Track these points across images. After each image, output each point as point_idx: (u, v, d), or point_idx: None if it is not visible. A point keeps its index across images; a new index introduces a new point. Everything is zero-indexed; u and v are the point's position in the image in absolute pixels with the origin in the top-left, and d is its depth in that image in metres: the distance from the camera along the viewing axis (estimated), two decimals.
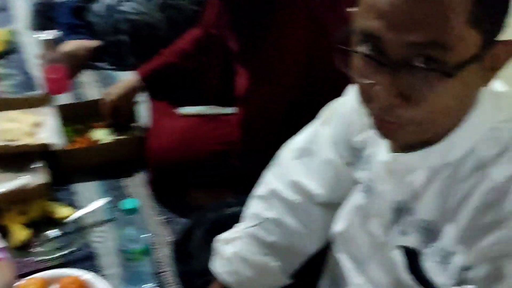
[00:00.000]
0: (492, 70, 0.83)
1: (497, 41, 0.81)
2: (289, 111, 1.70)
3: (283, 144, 1.31)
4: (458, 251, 0.86)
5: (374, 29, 0.77)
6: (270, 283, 1.27)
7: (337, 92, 1.19)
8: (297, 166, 1.21)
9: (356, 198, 1.08)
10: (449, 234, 0.87)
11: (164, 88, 2.12)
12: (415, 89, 0.78)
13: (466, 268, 0.85)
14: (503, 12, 0.80)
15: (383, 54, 0.78)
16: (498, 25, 0.80)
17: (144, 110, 2.17)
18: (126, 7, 2.42)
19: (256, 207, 1.26)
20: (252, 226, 1.25)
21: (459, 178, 0.88)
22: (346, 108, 1.11)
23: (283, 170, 1.24)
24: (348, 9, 0.84)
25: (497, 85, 0.91)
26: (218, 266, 1.29)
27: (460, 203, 0.87)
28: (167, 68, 2.06)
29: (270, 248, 1.22)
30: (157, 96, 2.11)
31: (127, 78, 2.11)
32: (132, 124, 2.11)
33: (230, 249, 1.27)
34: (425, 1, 0.74)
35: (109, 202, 1.90)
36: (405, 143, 0.92)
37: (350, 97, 1.10)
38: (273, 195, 1.22)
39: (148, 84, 2.07)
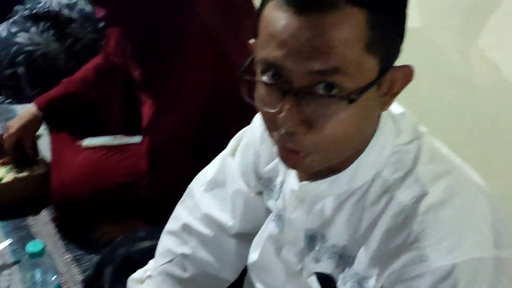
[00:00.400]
0: (390, 95, 0.85)
1: (394, 66, 0.83)
2: (195, 139, 1.69)
3: (190, 173, 1.30)
4: (371, 275, 0.87)
5: (276, 58, 0.78)
6: None
7: (244, 121, 1.19)
8: (209, 198, 1.20)
9: (269, 227, 1.08)
10: (362, 258, 0.88)
11: (65, 119, 2.06)
12: (317, 116, 0.79)
13: None
14: (398, 39, 0.83)
15: (286, 82, 0.79)
16: (393, 51, 0.83)
17: (46, 144, 2.10)
18: (21, 38, 2.36)
19: (168, 243, 1.23)
20: (165, 263, 1.22)
21: (367, 203, 0.90)
22: (254, 137, 1.11)
23: (195, 203, 1.22)
24: (250, 41, 0.86)
25: (394, 107, 0.93)
26: None
27: (370, 227, 0.89)
28: (66, 98, 2.00)
29: (185, 284, 1.20)
30: (58, 128, 2.05)
31: (27, 110, 2.03)
32: (36, 159, 2.05)
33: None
34: (323, 30, 0.76)
35: (13, 244, 1.84)
36: (309, 171, 0.93)
37: (258, 126, 1.10)
38: (186, 230, 1.21)
39: (47, 115, 2.00)
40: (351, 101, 0.77)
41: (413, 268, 0.82)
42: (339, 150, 0.85)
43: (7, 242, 1.84)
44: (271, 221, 1.07)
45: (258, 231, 1.13)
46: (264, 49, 0.78)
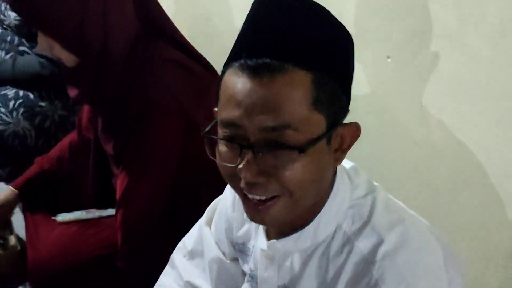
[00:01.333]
0: (341, 151, 0.92)
1: (342, 123, 0.91)
2: (168, 208, 1.71)
3: (165, 242, 1.34)
4: None
5: (234, 117, 0.85)
6: None
7: (214, 186, 1.24)
8: (190, 268, 1.24)
9: None
10: None
11: (39, 196, 2.05)
12: (273, 166, 0.86)
13: None
14: (342, 98, 0.90)
15: (243, 139, 0.86)
16: (339, 109, 0.90)
17: (19, 221, 2.08)
18: None
19: None
20: None
21: (331, 254, 0.96)
22: (226, 205, 1.17)
23: (177, 272, 1.26)
24: (214, 109, 0.93)
25: (345, 162, 1.01)
26: None
27: (335, 276, 0.94)
28: (42, 175, 2.01)
29: None
30: (32, 205, 2.04)
31: (1, 191, 2.03)
32: (9, 237, 2.01)
33: None
34: (274, 91, 0.83)
35: None
36: (276, 223, 0.98)
37: (229, 194, 1.16)
38: None
39: (25, 194, 2.01)
40: (301, 151, 0.84)
41: None
42: (300, 198, 0.90)
43: None
44: (246, 282, 1.12)
45: None
46: (224, 110, 0.86)
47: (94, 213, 1.93)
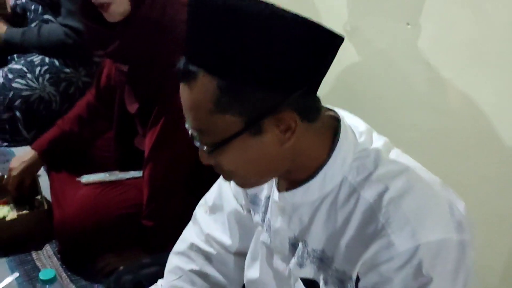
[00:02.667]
0: (286, 133, 0.95)
1: (268, 116, 0.92)
2: (193, 169, 1.74)
3: (188, 201, 1.39)
4: (348, 269, 0.96)
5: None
6: None
7: None
8: (210, 222, 1.30)
9: (261, 238, 1.17)
10: (339, 254, 0.98)
11: (63, 157, 2.11)
12: (210, 157, 0.97)
13: (357, 282, 0.95)
14: (257, 95, 0.91)
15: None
16: (262, 105, 0.92)
17: (45, 182, 2.16)
18: (17, 84, 2.41)
19: (177, 262, 1.32)
20: (175, 279, 1.31)
21: (338, 205, 0.99)
22: None
23: (199, 227, 1.32)
24: None
25: (350, 120, 1.05)
26: None
27: (343, 225, 0.98)
28: (63, 137, 2.06)
29: None
30: (57, 167, 2.10)
31: (26, 152, 2.10)
32: (36, 197, 2.10)
33: None
34: (189, 96, 0.92)
35: (20, 277, 1.88)
36: (246, 188, 1.11)
37: None
38: (193, 249, 1.30)
39: (47, 156, 2.07)
40: (209, 152, 0.94)
41: (382, 254, 0.91)
42: (245, 177, 1.00)
43: (14, 275, 1.88)
44: (264, 232, 1.17)
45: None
46: None
47: (117, 175, 2.00)
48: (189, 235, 1.33)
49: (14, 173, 2.06)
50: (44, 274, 1.57)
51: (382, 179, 0.97)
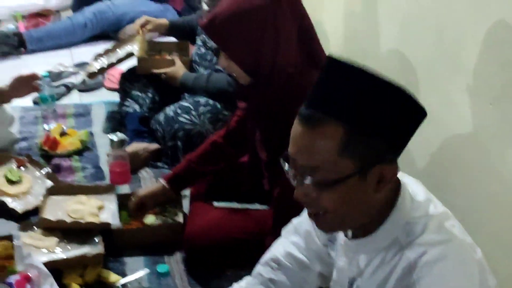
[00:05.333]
0: (383, 183, 1.08)
1: (380, 164, 1.06)
2: None
3: None
4: None
5: (290, 152, 1.11)
6: None
7: None
8: (292, 240, 1.48)
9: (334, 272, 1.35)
10: None
11: (190, 185, 2.35)
12: (312, 193, 1.09)
13: None
14: (376, 144, 1.05)
15: (295, 168, 1.11)
16: (373, 154, 1.05)
17: (186, 203, 2.41)
18: (183, 118, 2.67)
19: (260, 269, 1.51)
20: (255, 284, 1.50)
21: (387, 259, 1.14)
22: None
23: (283, 242, 1.51)
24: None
25: (412, 187, 1.18)
26: None
27: (387, 276, 1.13)
28: (188, 170, 2.25)
29: None
30: (196, 194, 2.34)
31: (158, 182, 2.33)
32: (178, 213, 2.34)
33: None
34: (311, 138, 1.05)
35: (149, 274, 2.12)
36: (330, 231, 1.24)
37: None
38: (274, 261, 1.49)
39: (173, 185, 2.27)
40: (325, 188, 1.06)
41: None
42: (339, 216, 1.12)
43: (146, 271, 2.13)
44: (335, 269, 1.35)
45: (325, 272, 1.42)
46: (289, 143, 1.12)
47: (244, 205, 2.24)
48: (275, 248, 1.51)
49: (137, 195, 2.30)
50: (160, 268, 1.86)
51: (424, 244, 1.09)
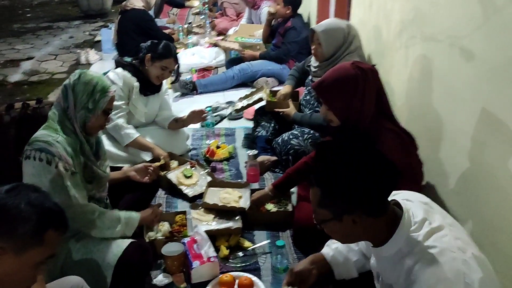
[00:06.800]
0: (355, 224, 1.06)
1: (344, 215, 1.06)
2: None
3: None
4: None
5: None
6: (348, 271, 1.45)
7: None
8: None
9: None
10: None
11: (288, 190, 2.27)
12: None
13: None
14: (341, 201, 1.05)
15: None
16: (342, 209, 1.06)
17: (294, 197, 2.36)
18: (293, 141, 2.63)
19: (344, 249, 1.46)
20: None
21: (395, 263, 1.09)
22: None
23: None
24: None
25: (412, 209, 1.11)
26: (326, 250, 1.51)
27: (397, 276, 1.08)
28: (288, 179, 2.19)
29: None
30: (301, 197, 2.26)
31: (269, 186, 2.27)
32: (288, 204, 2.31)
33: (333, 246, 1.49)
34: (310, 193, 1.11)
35: (269, 243, 2.12)
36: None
37: None
38: (351, 249, 1.45)
39: (276, 189, 2.22)
40: (317, 224, 1.12)
41: None
42: (341, 238, 1.15)
43: (268, 241, 2.13)
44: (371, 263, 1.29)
45: None
46: None
47: None
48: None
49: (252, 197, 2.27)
50: (279, 242, 1.85)
51: (419, 253, 1.04)
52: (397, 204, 1.13)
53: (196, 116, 2.93)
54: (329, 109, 1.80)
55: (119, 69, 2.73)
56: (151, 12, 4.81)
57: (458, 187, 1.78)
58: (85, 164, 1.83)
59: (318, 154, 1.11)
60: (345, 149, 1.09)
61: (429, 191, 1.96)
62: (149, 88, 2.81)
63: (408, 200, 1.16)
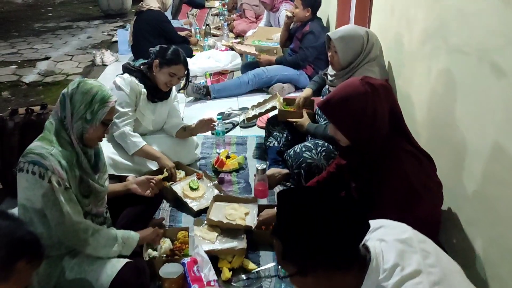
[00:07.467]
0: (320, 278, 1.00)
1: (309, 273, 0.99)
2: None
3: None
4: None
5: None
6: None
7: None
8: None
9: None
10: None
11: None
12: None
13: None
14: (301, 256, 0.98)
15: None
16: (305, 265, 0.98)
17: None
18: (306, 154, 2.50)
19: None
20: None
21: None
22: None
23: None
24: None
25: (385, 254, 1.01)
26: None
27: None
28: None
29: None
30: None
31: None
32: None
33: None
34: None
35: (275, 265, 2.00)
36: None
37: None
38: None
39: None
40: (281, 278, 1.07)
41: None
42: None
43: (273, 263, 2.01)
44: None
45: None
46: None
47: None
48: None
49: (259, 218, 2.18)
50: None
51: None
52: (368, 248, 1.05)
53: (205, 125, 2.84)
54: (337, 128, 1.69)
55: (126, 75, 2.66)
56: (168, 13, 4.74)
57: (482, 213, 1.66)
58: (81, 178, 1.74)
59: (278, 204, 1.05)
60: (307, 200, 1.00)
61: (450, 215, 1.86)
62: (157, 94, 2.72)
63: (383, 240, 1.06)
